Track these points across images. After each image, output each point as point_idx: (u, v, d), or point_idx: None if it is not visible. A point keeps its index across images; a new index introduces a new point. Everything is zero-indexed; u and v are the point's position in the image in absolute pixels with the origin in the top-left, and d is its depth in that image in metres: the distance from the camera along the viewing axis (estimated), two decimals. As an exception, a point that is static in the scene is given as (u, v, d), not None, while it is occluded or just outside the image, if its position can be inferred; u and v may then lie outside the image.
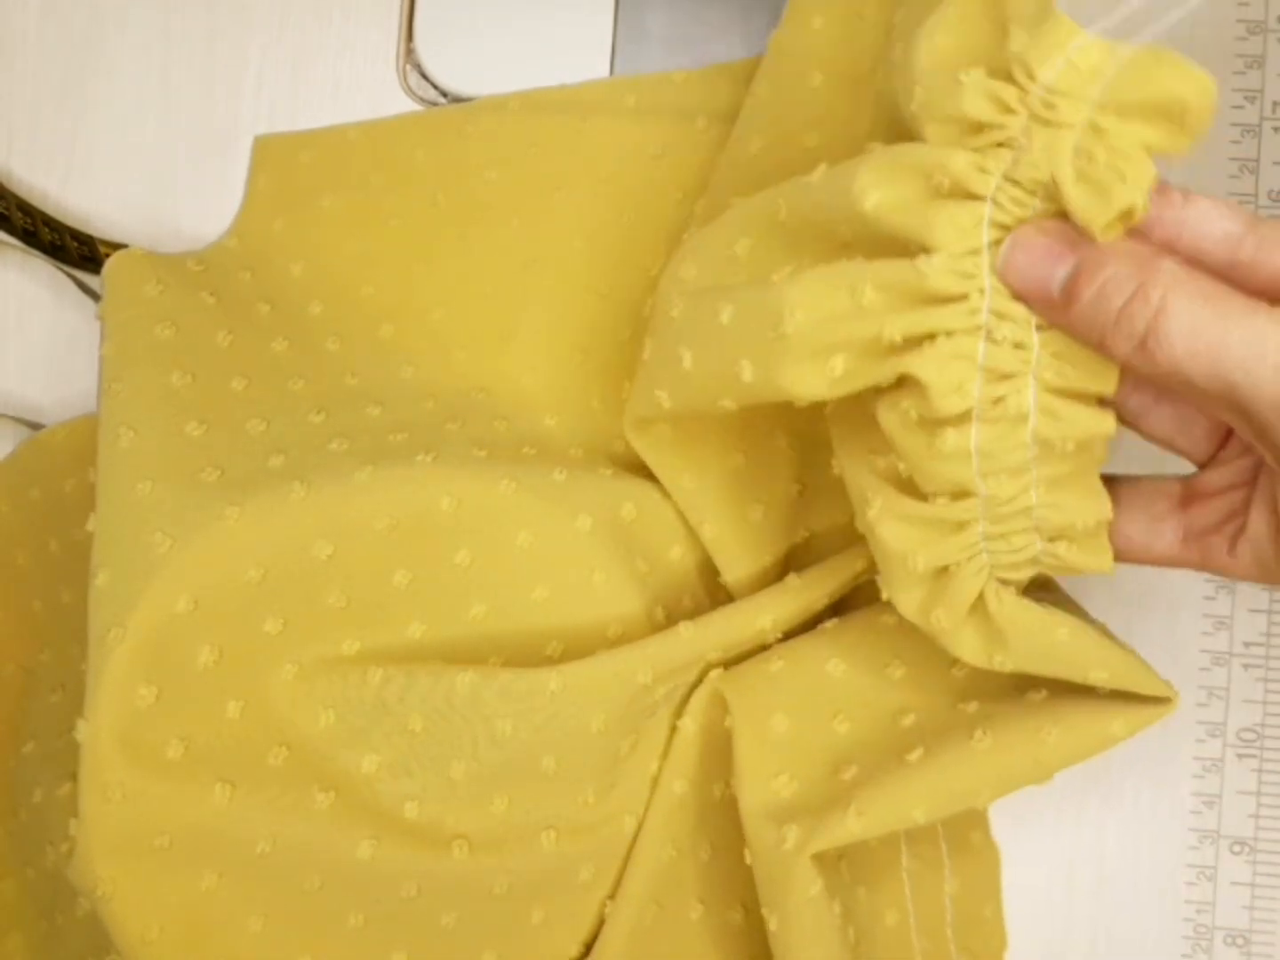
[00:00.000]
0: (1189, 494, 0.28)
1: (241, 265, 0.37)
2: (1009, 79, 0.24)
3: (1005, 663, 0.28)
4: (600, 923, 0.33)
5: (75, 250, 0.37)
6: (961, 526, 0.27)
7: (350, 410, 0.34)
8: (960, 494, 0.27)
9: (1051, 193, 0.24)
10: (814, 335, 0.26)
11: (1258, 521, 0.26)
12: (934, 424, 0.26)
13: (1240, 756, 0.36)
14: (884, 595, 0.29)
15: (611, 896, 0.33)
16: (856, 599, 0.34)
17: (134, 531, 0.30)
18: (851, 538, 0.32)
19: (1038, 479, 0.26)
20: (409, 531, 0.31)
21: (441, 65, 0.38)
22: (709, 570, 0.34)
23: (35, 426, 0.38)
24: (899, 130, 0.26)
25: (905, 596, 0.28)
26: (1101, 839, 0.36)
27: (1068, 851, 0.35)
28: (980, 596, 0.28)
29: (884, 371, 0.26)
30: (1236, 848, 0.35)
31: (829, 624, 0.33)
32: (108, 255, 0.36)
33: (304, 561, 0.30)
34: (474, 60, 0.38)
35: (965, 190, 0.25)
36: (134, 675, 0.29)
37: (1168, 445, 0.28)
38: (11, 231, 0.37)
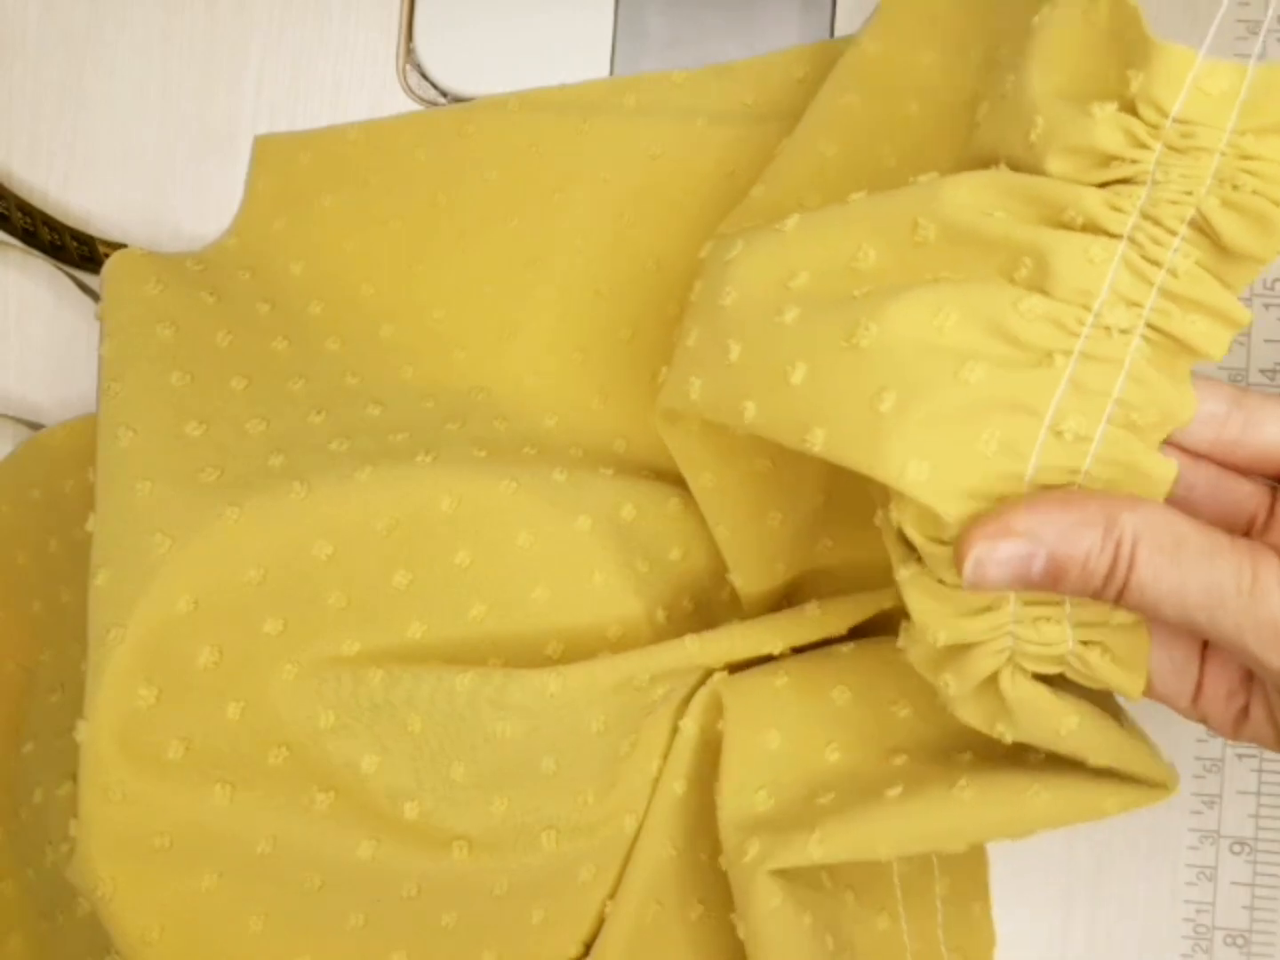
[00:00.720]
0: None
1: (241, 265, 0.37)
2: (1135, 113, 0.23)
3: (1006, 734, 0.27)
4: (600, 922, 0.33)
5: (75, 250, 0.37)
6: (990, 608, 0.26)
7: (350, 410, 0.34)
8: None
9: (1200, 225, 0.23)
10: (889, 359, 0.24)
11: (1258, 711, 0.27)
12: None
13: (1240, 756, 0.36)
14: (899, 641, 0.28)
15: (612, 896, 0.33)
16: (878, 620, 0.33)
17: (134, 531, 0.30)
18: (875, 551, 0.31)
19: None
20: (409, 531, 0.31)
21: (441, 65, 0.38)
22: (710, 571, 0.34)
23: (35, 426, 0.38)
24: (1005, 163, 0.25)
25: (918, 651, 0.28)
26: (1101, 838, 0.36)
27: (1066, 850, 0.35)
28: (994, 678, 0.26)
29: None
30: (1236, 848, 0.35)
31: (844, 648, 0.33)
32: (108, 255, 0.36)
33: (304, 561, 0.30)
34: (474, 60, 0.38)
35: (1099, 227, 0.23)
36: (134, 675, 0.29)
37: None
38: (11, 231, 0.37)
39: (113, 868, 0.30)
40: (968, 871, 0.35)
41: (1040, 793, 0.28)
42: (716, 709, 0.32)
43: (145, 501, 0.30)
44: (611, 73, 0.38)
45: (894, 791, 0.29)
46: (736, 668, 0.33)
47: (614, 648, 0.32)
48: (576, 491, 0.33)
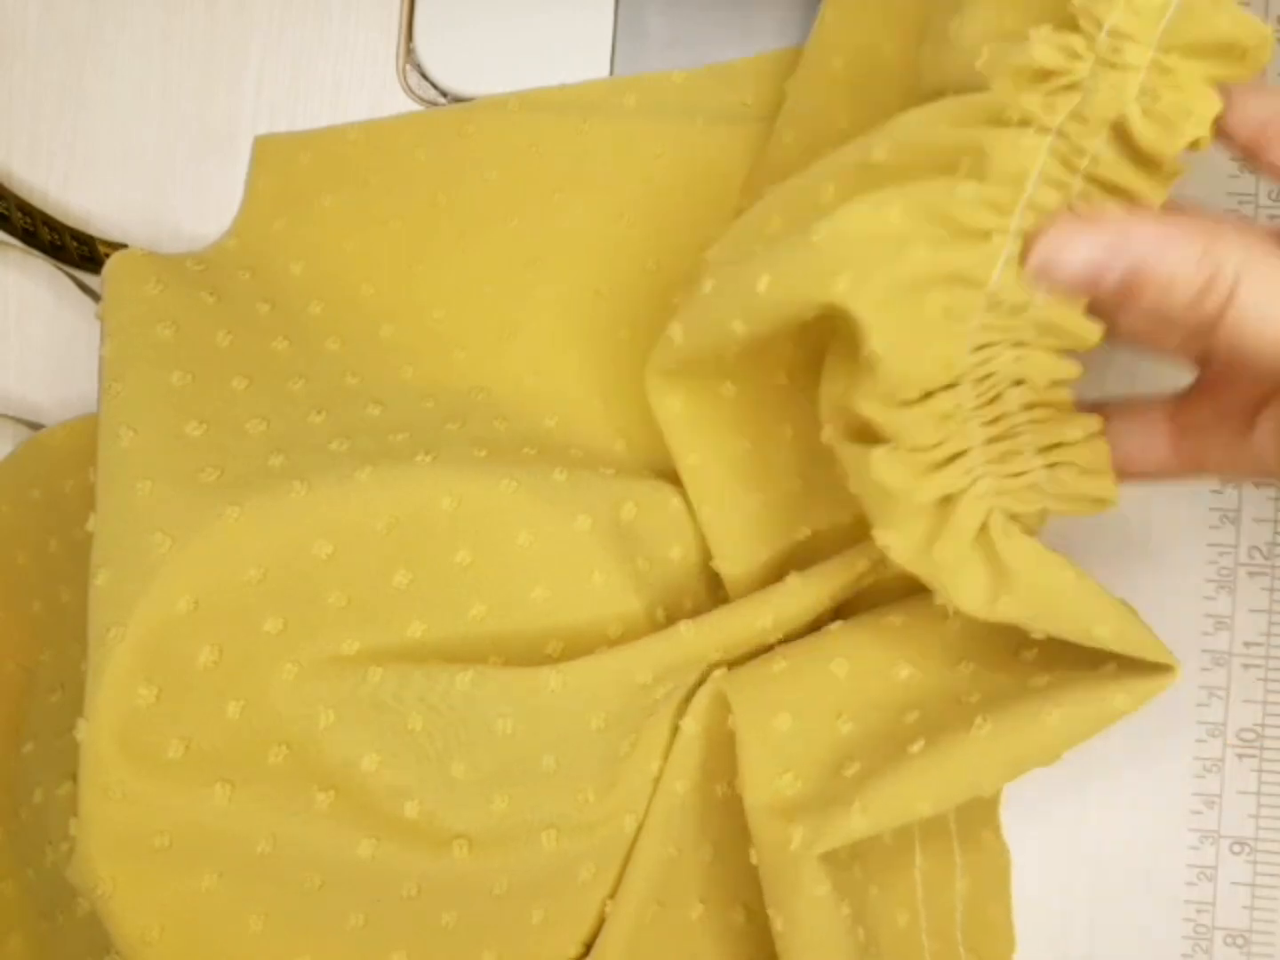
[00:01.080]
0: (1185, 399, 0.28)
1: (241, 265, 0.37)
2: (1075, 28, 0.25)
3: (1010, 607, 0.28)
4: (600, 922, 0.33)
5: (75, 250, 0.37)
6: (958, 455, 0.27)
7: (350, 410, 0.34)
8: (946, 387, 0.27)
9: (1119, 130, 0.25)
10: (839, 248, 0.26)
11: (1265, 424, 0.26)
12: None
13: (1240, 756, 0.36)
14: (879, 540, 0.28)
15: (612, 896, 0.33)
16: (859, 604, 0.34)
17: (134, 531, 0.30)
18: (852, 538, 0.32)
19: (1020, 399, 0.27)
20: (409, 531, 0.31)
21: (441, 65, 0.38)
22: (710, 571, 0.34)
23: (35, 426, 0.38)
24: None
25: (904, 533, 0.28)
26: (1101, 839, 0.36)
27: (1067, 851, 0.35)
28: (986, 532, 0.28)
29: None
30: (1236, 848, 0.35)
31: (833, 626, 0.33)
32: (108, 255, 0.36)
33: (304, 561, 0.30)
34: (474, 60, 0.38)
35: (1031, 123, 0.25)
36: (134, 675, 0.29)
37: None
38: (11, 231, 0.37)
39: (112, 867, 0.30)
40: (991, 873, 0.35)
41: (1053, 710, 0.29)
42: (720, 707, 0.32)
43: (145, 501, 0.30)
44: (611, 73, 0.38)
45: (916, 746, 0.30)
46: (733, 664, 0.33)
47: (614, 646, 0.32)
48: (576, 491, 0.33)
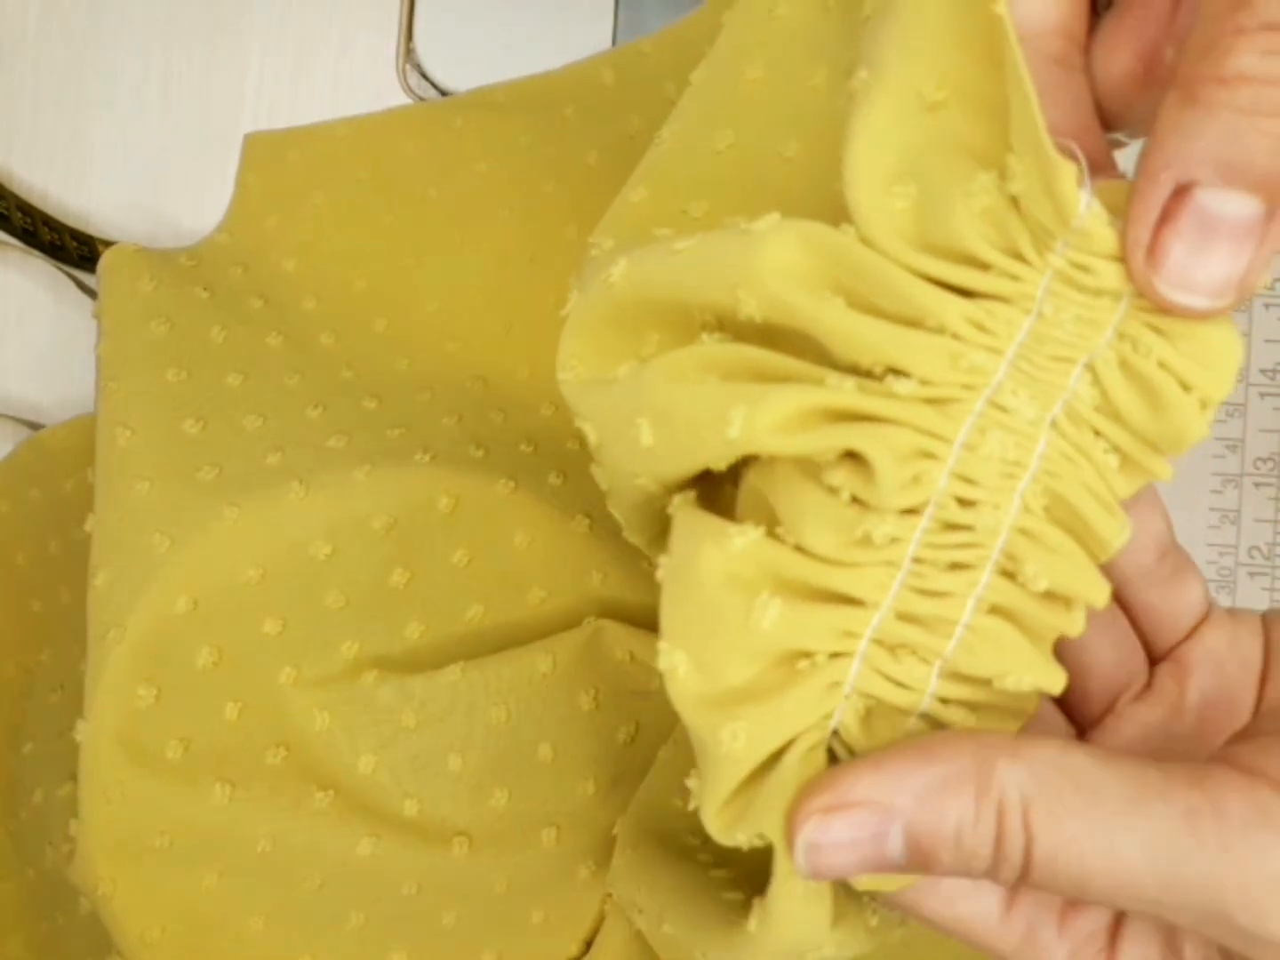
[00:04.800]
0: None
1: (233, 260, 0.37)
2: (1018, 207, 0.17)
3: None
4: (600, 921, 0.33)
5: (75, 250, 0.37)
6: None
7: (347, 404, 0.34)
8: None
9: (1102, 403, 0.18)
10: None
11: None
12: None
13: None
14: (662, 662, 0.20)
15: (611, 894, 0.33)
16: None
17: (133, 532, 0.30)
18: None
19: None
20: (406, 531, 0.31)
21: (441, 65, 0.38)
22: None
23: (35, 426, 0.38)
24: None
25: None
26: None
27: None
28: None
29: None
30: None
31: None
32: (107, 255, 0.36)
33: (303, 561, 0.31)
34: (474, 60, 0.38)
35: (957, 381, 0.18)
36: (134, 675, 0.29)
37: None
38: (11, 231, 0.37)
39: (113, 867, 0.30)
40: None
41: None
42: None
43: (144, 501, 0.30)
44: (611, 72, 0.38)
45: None
46: None
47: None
48: (574, 493, 0.33)
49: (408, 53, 0.39)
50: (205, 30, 0.39)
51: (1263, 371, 0.36)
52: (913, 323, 0.18)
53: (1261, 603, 0.36)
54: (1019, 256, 0.18)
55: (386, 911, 0.32)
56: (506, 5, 0.38)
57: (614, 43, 0.38)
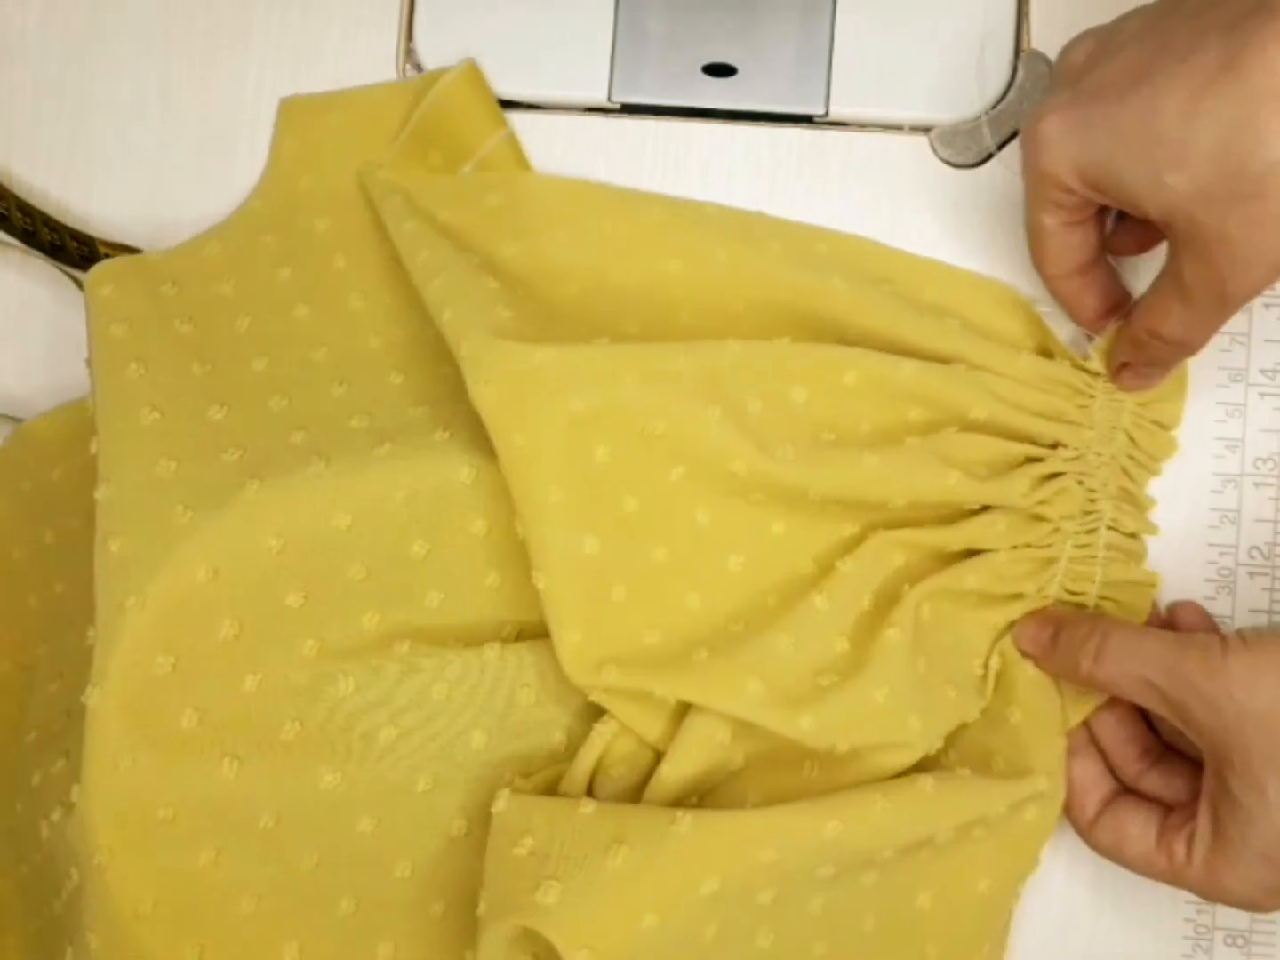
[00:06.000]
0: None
1: (264, 228, 0.37)
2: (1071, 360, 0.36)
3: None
4: None
5: (75, 250, 0.37)
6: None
7: (371, 378, 0.34)
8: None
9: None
10: None
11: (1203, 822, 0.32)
12: None
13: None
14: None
15: None
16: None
17: (153, 503, 0.30)
18: None
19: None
20: (427, 502, 0.32)
21: (441, 65, 0.38)
22: None
23: (35, 426, 0.38)
24: None
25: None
26: (1102, 839, 0.36)
27: (1069, 850, 0.35)
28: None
29: None
30: (1237, 848, 0.35)
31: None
32: (108, 255, 0.36)
33: (324, 532, 0.31)
34: (473, 60, 0.38)
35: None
36: (153, 643, 0.29)
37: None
38: (11, 231, 0.37)
39: (112, 835, 0.30)
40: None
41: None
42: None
43: (167, 477, 0.31)
44: (611, 73, 0.38)
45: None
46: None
47: None
48: None
49: (408, 53, 0.39)
50: (205, 30, 0.39)
51: (1263, 371, 0.36)
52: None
53: (1262, 603, 0.36)
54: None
55: (377, 898, 0.32)
56: (507, 5, 0.38)
57: (614, 43, 0.38)
